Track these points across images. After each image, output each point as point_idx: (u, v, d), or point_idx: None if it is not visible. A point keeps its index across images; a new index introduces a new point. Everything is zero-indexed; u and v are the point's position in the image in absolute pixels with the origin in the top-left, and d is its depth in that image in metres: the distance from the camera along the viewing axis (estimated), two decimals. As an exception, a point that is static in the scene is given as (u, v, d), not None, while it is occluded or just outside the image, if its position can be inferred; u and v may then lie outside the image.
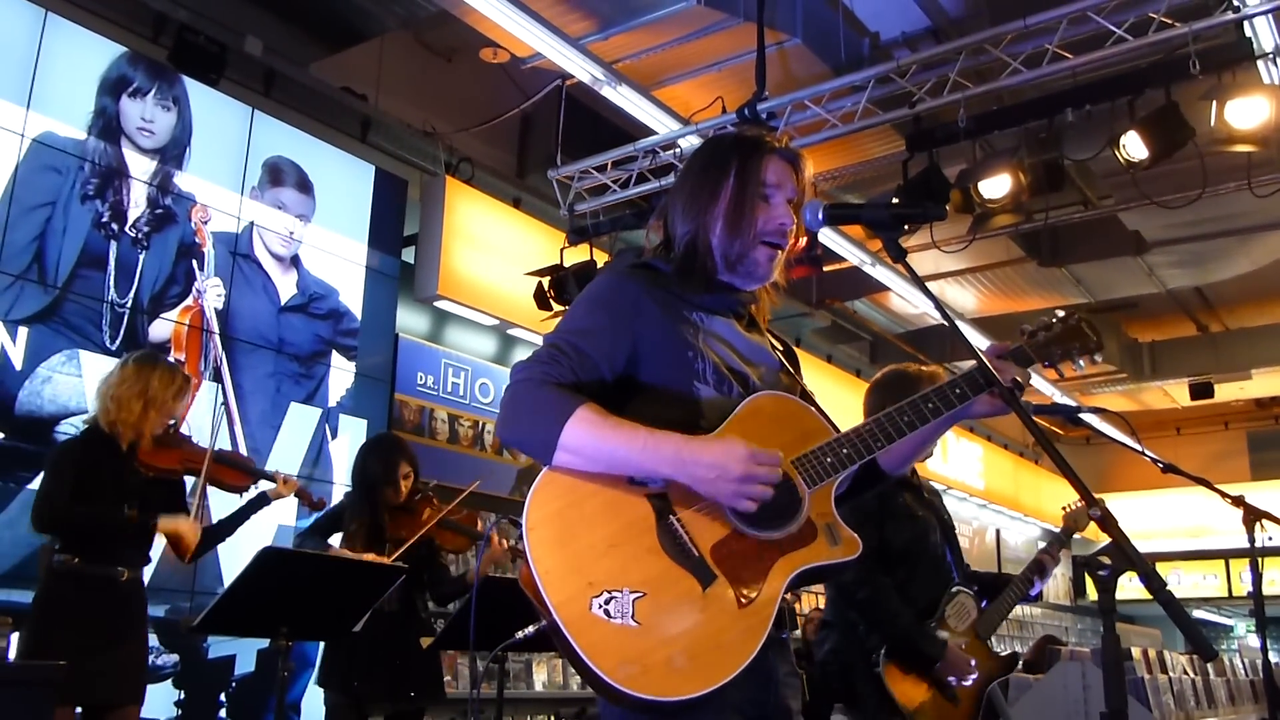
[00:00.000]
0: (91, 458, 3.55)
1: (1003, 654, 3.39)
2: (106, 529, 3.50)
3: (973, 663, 3.17)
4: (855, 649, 3.20)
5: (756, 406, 1.80)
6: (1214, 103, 5.81)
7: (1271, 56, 5.87)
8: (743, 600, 1.66)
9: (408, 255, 6.92)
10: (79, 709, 3.43)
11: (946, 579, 3.33)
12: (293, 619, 3.40)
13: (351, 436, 6.09)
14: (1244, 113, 5.80)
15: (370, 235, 6.57)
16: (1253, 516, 3.63)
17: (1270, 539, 3.71)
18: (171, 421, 3.77)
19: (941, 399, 1.87)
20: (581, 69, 6.26)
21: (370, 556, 3.99)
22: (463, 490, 4.32)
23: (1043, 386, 12.23)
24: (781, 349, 2.02)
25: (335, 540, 4.16)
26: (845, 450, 1.81)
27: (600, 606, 1.58)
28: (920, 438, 1.91)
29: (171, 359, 5.35)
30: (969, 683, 3.17)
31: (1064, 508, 3.83)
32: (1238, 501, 3.64)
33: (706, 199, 1.88)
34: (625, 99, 6.42)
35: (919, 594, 3.23)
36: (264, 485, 3.98)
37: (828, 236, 7.74)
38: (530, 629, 1.65)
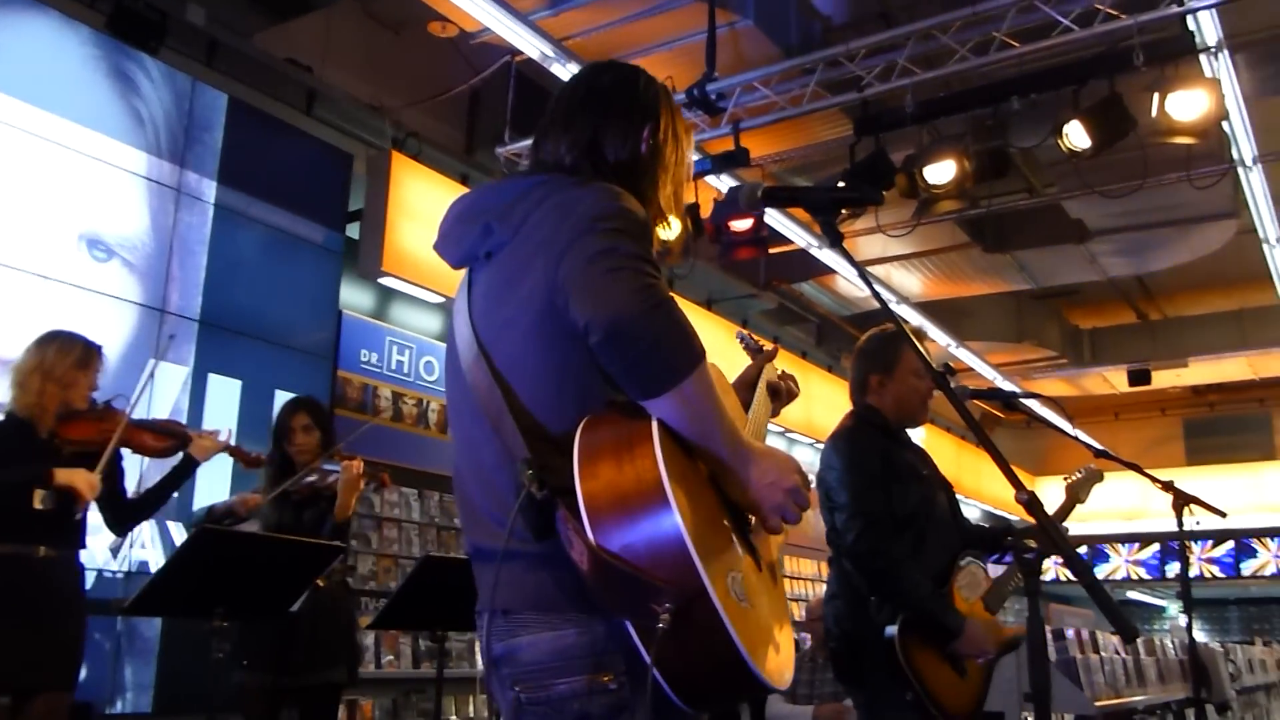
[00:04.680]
0: (7, 441, 3.47)
1: (1009, 629, 3.23)
2: (16, 489, 3.38)
3: (989, 639, 3.04)
4: (864, 622, 3.03)
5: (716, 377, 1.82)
6: (1156, 95, 5.91)
7: (1213, 50, 5.98)
8: (774, 578, 1.63)
9: (353, 231, 6.83)
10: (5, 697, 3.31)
11: (953, 543, 3.18)
12: (229, 599, 3.35)
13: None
14: (1185, 105, 5.91)
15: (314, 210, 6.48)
16: (1182, 501, 3.71)
17: (1199, 523, 3.79)
18: (95, 395, 3.67)
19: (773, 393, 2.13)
20: (530, 45, 6.21)
21: (250, 496, 3.97)
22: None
23: (983, 370, 12.40)
24: None
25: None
26: (759, 434, 1.94)
27: (732, 586, 1.39)
28: None
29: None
30: (982, 661, 3.06)
31: (1065, 477, 3.68)
32: (1168, 487, 3.71)
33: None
34: (575, 77, 6.38)
35: (930, 560, 3.06)
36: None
37: (775, 219, 7.76)
38: (665, 618, 1.30)
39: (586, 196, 1.57)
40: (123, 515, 3.80)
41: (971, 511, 16.51)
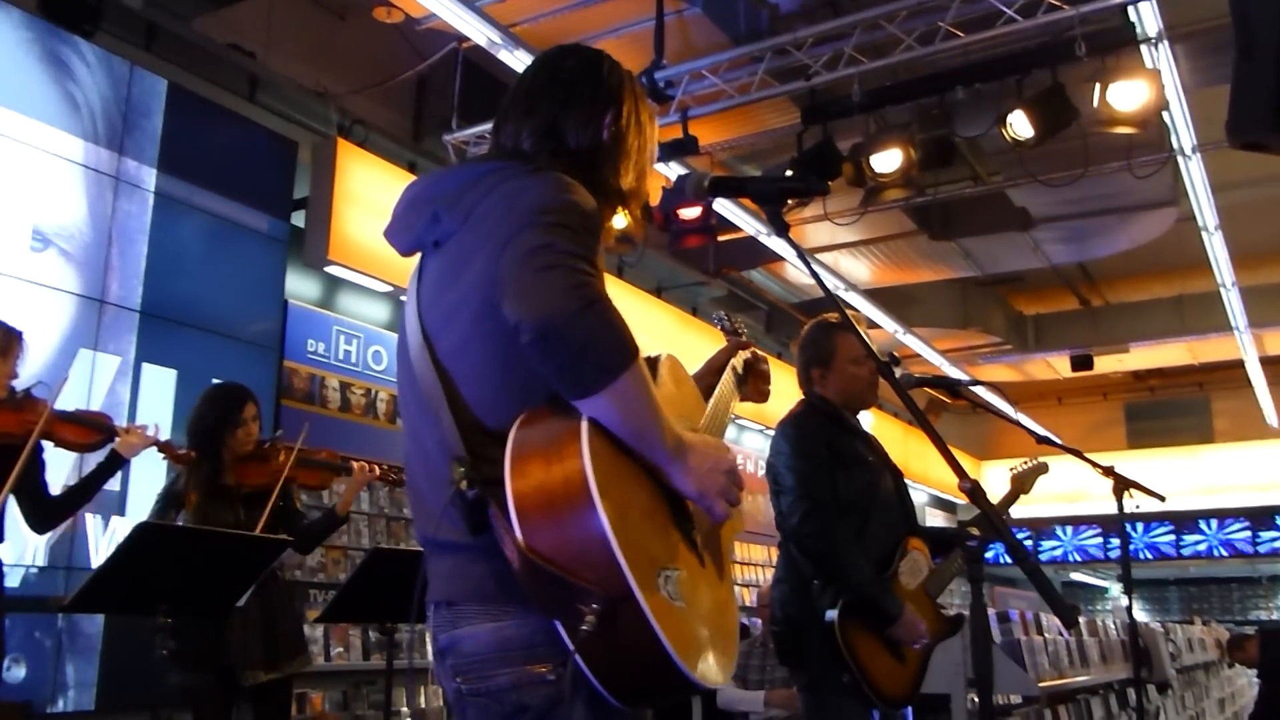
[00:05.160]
0: None
1: (949, 614, 3.31)
2: None
3: (924, 627, 3.08)
4: (807, 606, 3.07)
5: (670, 367, 1.77)
6: (1097, 85, 6.00)
7: (1154, 41, 6.07)
8: (720, 573, 1.63)
9: (298, 219, 6.74)
10: None
11: (898, 529, 3.22)
12: (172, 595, 3.29)
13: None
14: (1125, 96, 6.00)
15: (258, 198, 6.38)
16: (1122, 486, 3.79)
17: (1138, 506, 3.87)
18: (14, 383, 3.52)
19: (738, 380, 2.06)
20: (478, 31, 6.15)
21: None
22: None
23: (930, 356, 12.54)
24: None
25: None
26: (719, 421, 1.88)
27: (664, 587, 1.39)
28: None
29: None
30: (918, 646, 3.10)
31: (1011, 468, 3.76)
32: (1108, 472, 3.79)
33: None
34: (522, 63, 6.33)
35: (873, 544, 3.11)
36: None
37: (723, 206, 7.78)
38: (590, 620, 1.31)
39: (534, 187, 1.54)
40: (43, 513, 3.63)
41: (919, 496, 16.72)
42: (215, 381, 4.63)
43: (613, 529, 1.32)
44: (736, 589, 10.29)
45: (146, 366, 5.55)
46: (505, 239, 1.47)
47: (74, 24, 5.41)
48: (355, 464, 4.13)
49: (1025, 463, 3.71)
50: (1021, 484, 3.67)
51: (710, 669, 1.43)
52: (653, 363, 1.72)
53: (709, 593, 1.54)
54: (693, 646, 1.40)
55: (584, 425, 1.39)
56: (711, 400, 1.93)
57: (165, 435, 3.88)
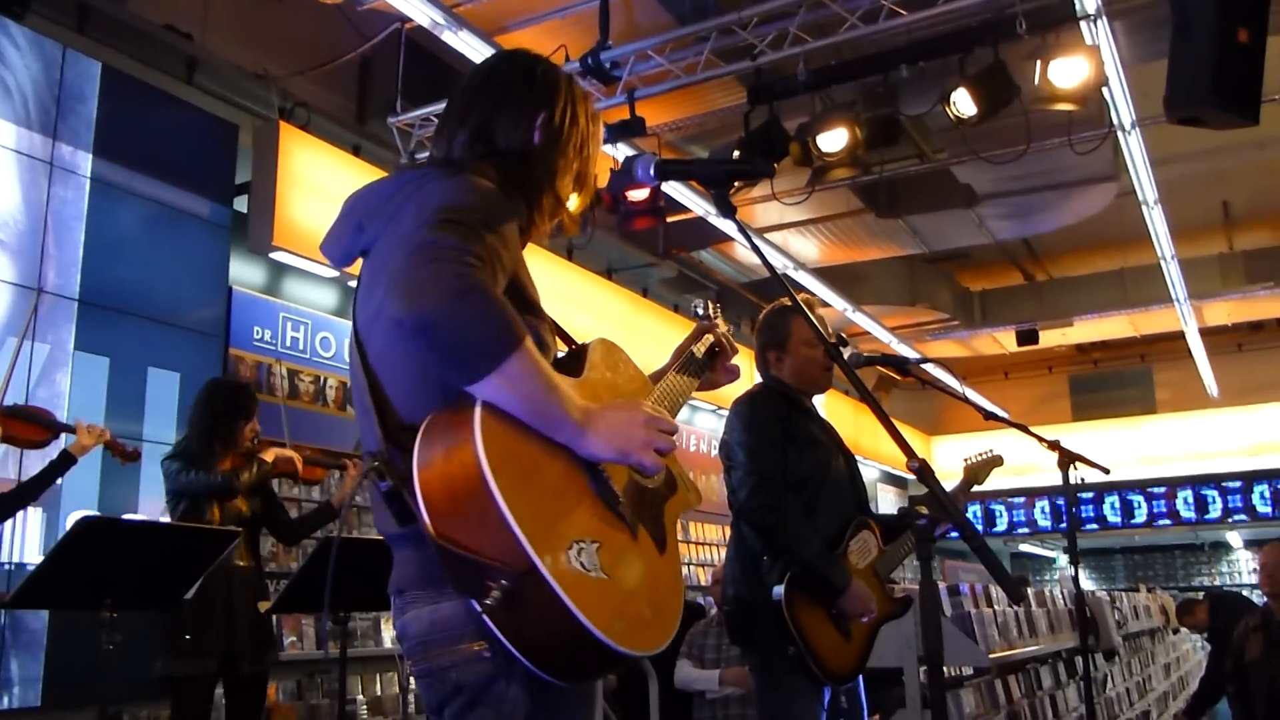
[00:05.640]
0: None
1: (897, 595, 3.33)
2: None
3: (872, 599, 3.11)
4: (756, 584, 3.09)
5: (604, 351, 1.80)
6: (1038, 62, 6.06)
7: (1093, 18, 6.13)
8: (660, 546, 1.66)
9: (241, 204, 6.62)
10: None
11: (849, 509, 3.26)
12: (117, 589, 3.25)
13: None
14: (1066, 72, 6.07)
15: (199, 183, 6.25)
16: (1066, 459, 3.85)
17: (1083, 480, 3.93)
18: None
19: (696, 364, 2.06)
20: (420, 12, 6.06)
21: None
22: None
23: (879, 333, 12.64)
24: None
25: None
26: (668, 403, 1.92)
27: (575, 558, 1.44)
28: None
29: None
30: (865, 620, 3.13)
31: (965, 459, 3.79)
32: (1053, 445, 3.85)
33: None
34: (466, 45, 6.26)
35: (823, 523, 3.15)
36: (65, 440, 3.67)
37: (672, 187, 7.77)
38: (495, 595, 1.37)
39: (443, 190, 1.58)
40: None
41: (870, 472, 16.88)
42: (212, 377, 4.71)
43: (509, 506, 1.38)
44: (691, 569, 10.35)
45: (83, 355, 5.43)
46: (405, 242, 1.50)
47: (3, 6, 5.26)
48: (349, 461, 4.44)
49: (980, 455, 3.77)
50: (975, 475, 3.73)
51: (639, 638, 1.47)
52: (582, 349, 1.76)
53: (641, 564, 1.58)
54: (616, 616, 1.45)
55: (477, 410, 1.45)
56: (661, 383, 1.96)
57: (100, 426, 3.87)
